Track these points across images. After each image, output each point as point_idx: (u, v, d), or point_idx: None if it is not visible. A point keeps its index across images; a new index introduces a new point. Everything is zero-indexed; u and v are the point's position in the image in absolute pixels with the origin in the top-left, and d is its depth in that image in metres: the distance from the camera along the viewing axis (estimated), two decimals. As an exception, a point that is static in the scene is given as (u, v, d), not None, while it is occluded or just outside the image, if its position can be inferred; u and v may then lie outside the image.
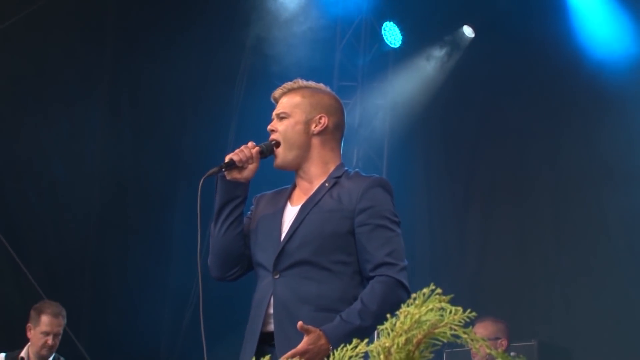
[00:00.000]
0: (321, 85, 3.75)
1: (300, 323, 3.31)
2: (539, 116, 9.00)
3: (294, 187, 3.70)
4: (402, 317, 2.54)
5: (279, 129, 3.64)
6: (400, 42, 9.57)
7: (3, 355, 6.59)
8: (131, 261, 9.09)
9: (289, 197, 3.67)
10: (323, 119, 3.64)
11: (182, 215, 9.29)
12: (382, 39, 9.55)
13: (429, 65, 9.54)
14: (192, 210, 9.73)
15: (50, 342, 6.39)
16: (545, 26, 8.89)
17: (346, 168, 3.67)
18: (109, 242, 9.14)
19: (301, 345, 3.31)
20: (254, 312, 3.57)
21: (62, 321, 6.47)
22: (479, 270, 9.03)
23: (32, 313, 6.49)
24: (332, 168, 3.63)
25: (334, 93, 3.78)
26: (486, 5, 8.99)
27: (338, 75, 9.54)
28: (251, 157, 3.59)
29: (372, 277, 3.44)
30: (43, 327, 6.40)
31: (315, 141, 3.63)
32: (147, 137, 9.26)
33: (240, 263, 3.66)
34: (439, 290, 2.52)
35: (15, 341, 6.77)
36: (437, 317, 2.48)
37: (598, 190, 8.55)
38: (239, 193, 3.62)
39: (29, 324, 6.48)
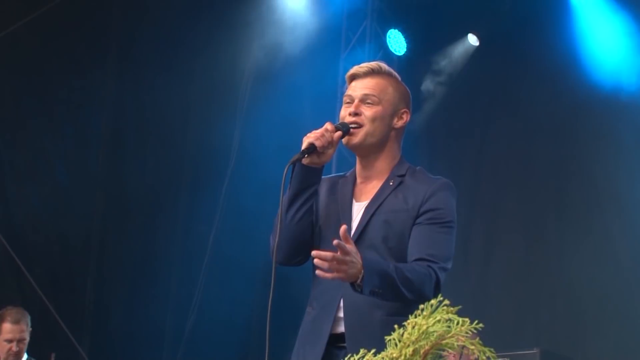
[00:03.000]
0: (397, 74, 3.64)
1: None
2: (544, 125, 9.03)
3: (354, 178, 3.60)
4: (409, 328, 2.57)
5: (367, 114, 3.51)
6: (405, 49, 9.63)
7: None
8: (133, 266, 9.12)
9: (352, 190, 3.57)
10: (405, 114, 3.57)
11: (185, 221, 9.33)
12: (387, 47, 9.61)
13: (433, 74, 9.58)
14: (194, 216, 9.75)
15: (14, 348, 6.41)
16: (550, 34, 8.93)
17: (408, 164, 3.58)
18: (111, 247, 9.17)
19: (352, 247, 3.21)
20: (320, 312, 3.48)
21: (25, 327, 6.46)
22: (482, 278, 9.06)
23: None
24: (395, 163, 3.55)
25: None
26: (491, 14, 9.04)
27: (342, 82, 9.59)
28: (332, 142, 3.46)
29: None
30: (5, 335, 6.41)
31: (392, 135, 3.55)
32: (151, 142, 9.30)
33: (307, 250, 3.48)
34: (446, 302, 2.55)
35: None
36: (445, 328, 2.52)
37: (603, 199, 8.57)
38: (316, 179, 3.51)
39: None
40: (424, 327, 2.54)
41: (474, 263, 9.19)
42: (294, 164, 3.46)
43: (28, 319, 6.52)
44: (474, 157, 9.48)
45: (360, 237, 3.44)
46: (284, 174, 3.39)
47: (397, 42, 9.62)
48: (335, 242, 3.18)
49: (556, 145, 8.93)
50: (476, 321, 2.51)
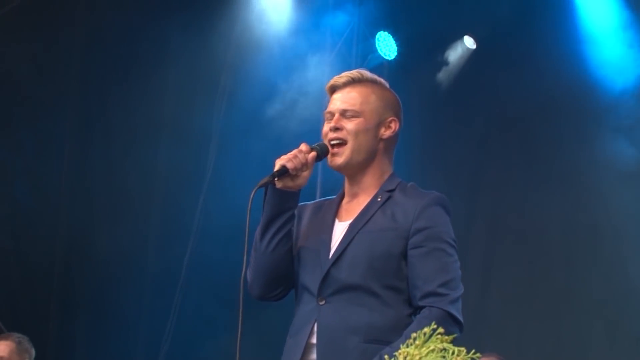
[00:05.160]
0: (383, 80, 3.66)
1: None
2: (546, 133, 9.06)
3: (341, 198, 3.63)
4: (401, 359, 2.57)
5: (348, 128, 3.51)
6: (396, 53, 9.62)
7: None
8: (101, 293, 9.10)
9: (336, 210, 3.59)
10: (394, 123, 3.57)
11: (157, 243, 9.31)
12: (376, 50, 9.60)
13: (427, 79, 9.60)
14: (166, 238, 9.74)
15: None
16: (553, 36, 8.98)
17: (400, 179, 3.60)
18: (77, 272, 9.15)
19: None
20: (293, 340, 3.49)
21: (7, 348, 6.53)
22: (481, 304, 9.05)
23: None
24: (385, 179, 3.56)
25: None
26: (489, 15, 9.06)
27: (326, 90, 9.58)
28: (306, 164, 3.50)
29: (421, 307, 3.40)
30: None
31: (381, 147, 3.56)
32: (119, 157, 9.28)
33: (286, 282, 3.58)
34: (440, 330, 2.55)
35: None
36: (439, 359, 2.52)
37: (612, 210, 8.59)
38: (291, 204, 3.52)
39: None
40: (417, 358, 2.56)
41: (471, 283, 9.17)
42: (264, 187, 3.48)
43: (18, 341, 6.57)
44: (471, 166, 9.51)
45: (340, 257, 3.44)
46: (251, 198, 3.41)
47: (387, 45, 9.63)
48: None
49: (559, 151, 8.96)
50: (473, 350, 2.52)
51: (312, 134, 9.35)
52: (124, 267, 9.19)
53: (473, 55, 9.53)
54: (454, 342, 2.55)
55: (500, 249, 9.18)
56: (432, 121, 9.56)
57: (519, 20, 8.93)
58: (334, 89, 3.61)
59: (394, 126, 3.56)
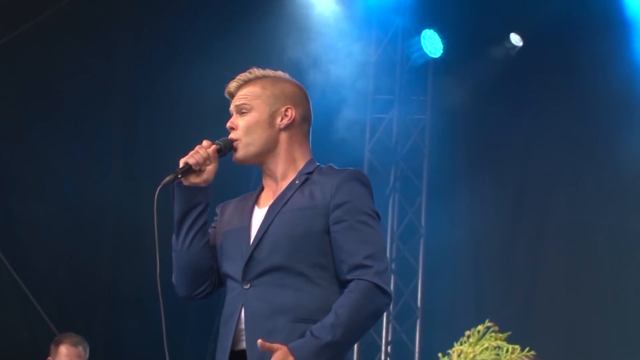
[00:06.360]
0: (280, 73, 3.73)
1: (260, 341, 3.33)
2: (593, 130, 9.07)
3: (261, 189, 3.70)
4: (455, 357, 2.66)
5: (239, 125, 3.63)
6: (442, 51, 9.69)
7: None
8: (149, 292, 9.11)
9: (256, 200, 3.66)
10: (290, 111, 3.64)
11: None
12: (422, 48, 9.66)
13: (472, 77, 9.62)
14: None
15: None
16: (603, 33, 8.98)
17: (318, 163, 3.66)
18: (125, 271, 9.24)
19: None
20: (223, 328, 3.55)
21: (83, 352, 6.78)
22: (528, 302, 9.06)
23: (52, 346, 6.91)
24: (301, 165, 3.63)
25: (295, 80, 3.76)
26: (536, 12, 9.05)
27: (373, 88, 9.65)
28: (208, 158, 3.58)
29: (349, 280, 3.45)
30: (62, 358, 6.68)
31: (283, 136, 3.63)
32: (165, 156, 9.27)
33: (210, 278, 3.64)
34: (495, 328, 2.62)
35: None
36: (493, 357, 2.59)
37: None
38: (200, 199, 3.60)
39: (48, 358, 6.88)
40: (471, 356, 2.61)
41: (518, 285, 9.19)
42: (169, 185, 3.56)
43: (86, 345, 6.82)
44: (517, 167, 9.51)
45: (262, 240, 3.51)
46: (155, 197, 3.51)
47: (432, 43, 9.67)
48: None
49: (610, 154, 8.96)
50: (527, 348, 2.57)
51: (357, 136, 9.45)
52: (171, 266, 9.23)
53: (520, 52, 9.56)
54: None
55: (548, 249, 9.17)
56: (478, 119, 9.59)
57: (567, 17, 8.93)
58: (231, 96, 3.72)
59: (291, 113, 3.62)
